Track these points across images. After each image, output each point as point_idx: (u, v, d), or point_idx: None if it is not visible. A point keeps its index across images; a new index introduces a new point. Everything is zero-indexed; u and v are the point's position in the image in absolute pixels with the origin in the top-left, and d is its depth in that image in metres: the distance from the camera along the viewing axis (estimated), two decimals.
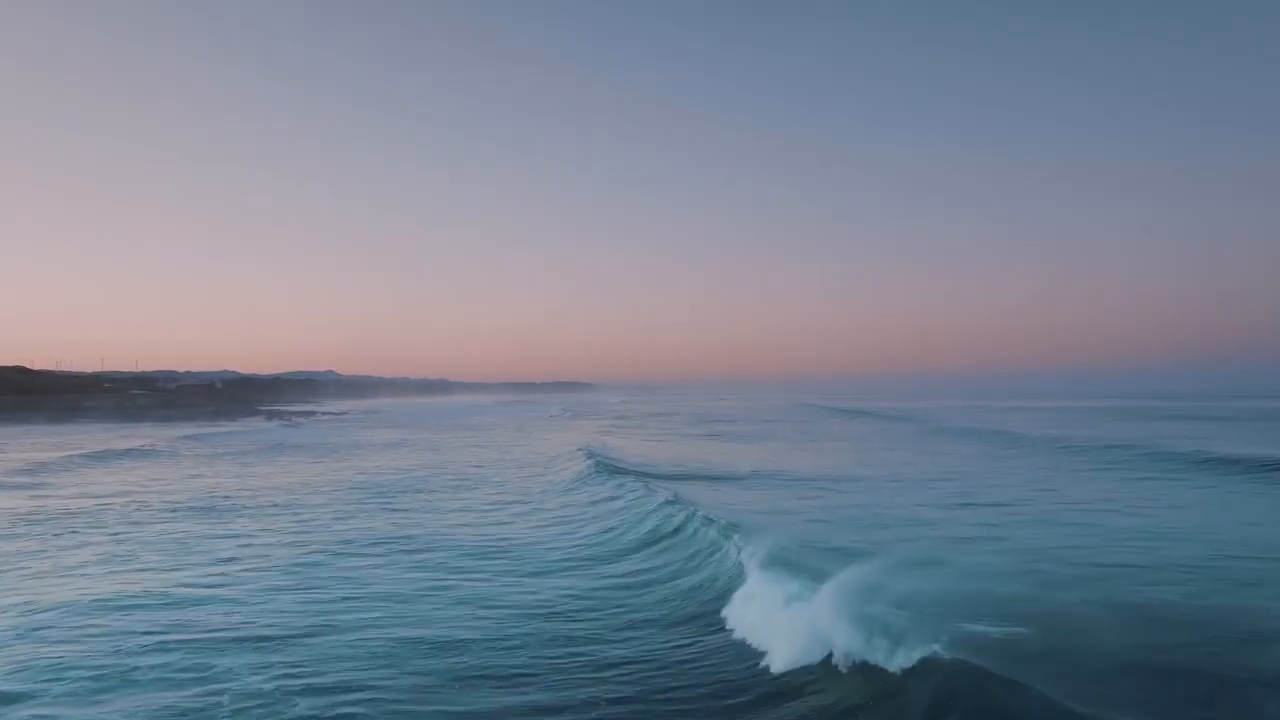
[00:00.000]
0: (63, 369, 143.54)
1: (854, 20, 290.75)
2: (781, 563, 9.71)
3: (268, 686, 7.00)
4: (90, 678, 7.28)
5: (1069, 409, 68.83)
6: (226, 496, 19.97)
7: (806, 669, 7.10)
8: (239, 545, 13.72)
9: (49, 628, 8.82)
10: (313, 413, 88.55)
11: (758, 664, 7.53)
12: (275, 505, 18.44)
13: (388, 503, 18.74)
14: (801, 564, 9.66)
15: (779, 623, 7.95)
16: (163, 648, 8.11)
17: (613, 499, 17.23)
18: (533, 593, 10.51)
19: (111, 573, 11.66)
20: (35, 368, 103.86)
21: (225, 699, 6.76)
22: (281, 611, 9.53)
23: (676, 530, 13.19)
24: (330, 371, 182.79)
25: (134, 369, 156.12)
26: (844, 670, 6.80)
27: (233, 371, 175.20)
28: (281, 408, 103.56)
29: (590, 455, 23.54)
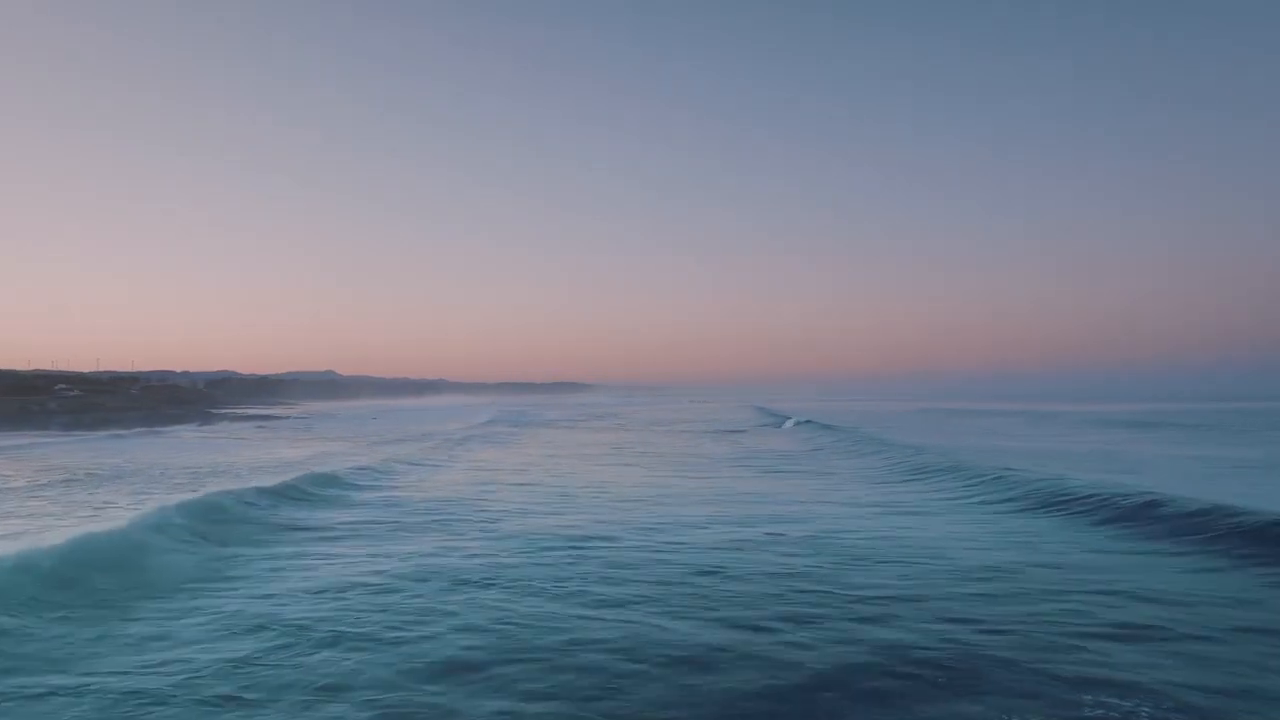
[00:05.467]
0: (57, 368, 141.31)
1: (863, 19, 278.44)
2: None
3: None
4: None
5: (1071, 414, 57.76)
6: None
7: None
8: None
9: None
10: (261, 416, 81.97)
11: None
12: None
13: None
14: None
15: None
16: None
17: None
18: None
19: None
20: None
21: None
22: None
23: None
24: (330, 371, 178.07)
25: (130, 369, 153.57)
26: None
27: (233, 372, 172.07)
28: (239, 411, 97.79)
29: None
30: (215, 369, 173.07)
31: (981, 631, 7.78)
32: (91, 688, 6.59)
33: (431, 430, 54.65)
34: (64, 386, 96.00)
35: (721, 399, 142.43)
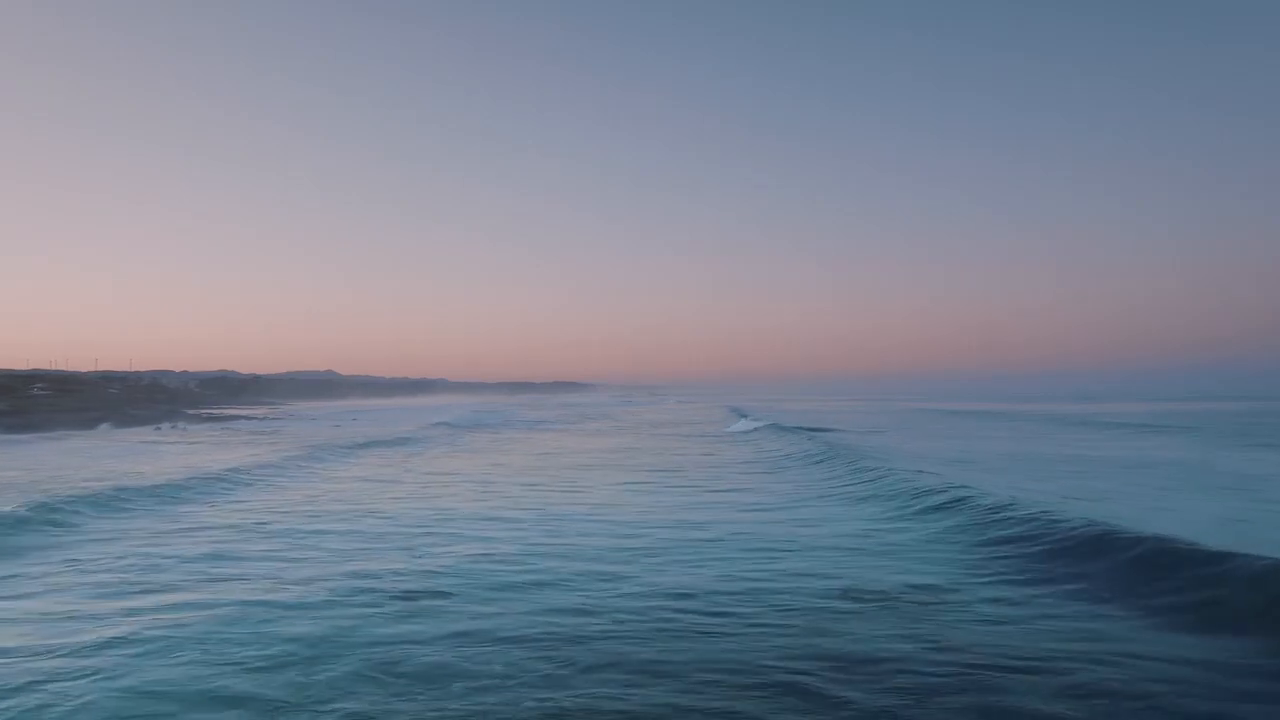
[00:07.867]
0: (55, 368, 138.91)
1: (863, 18, 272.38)
2: None
3: None
4: None
5: (1084, 415, 52.48)
6: None
7: None
8: None
9: None
10: (235, 417, 78.29)
11: None
12: None
13: None
14: None
15: None
16: None
17: None
18: None
19: None
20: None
21: None
22: None
23: None
24: (330, 371, 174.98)
25: (129, 368, 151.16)
26: None
27: (232, 371, 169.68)
28: (218, 411, 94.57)
29: None
30: (215, 369, 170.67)
31: None
32: None
33: (398, 431, 50.49)
34: (40, 386, 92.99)
35: (720, 399, 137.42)
